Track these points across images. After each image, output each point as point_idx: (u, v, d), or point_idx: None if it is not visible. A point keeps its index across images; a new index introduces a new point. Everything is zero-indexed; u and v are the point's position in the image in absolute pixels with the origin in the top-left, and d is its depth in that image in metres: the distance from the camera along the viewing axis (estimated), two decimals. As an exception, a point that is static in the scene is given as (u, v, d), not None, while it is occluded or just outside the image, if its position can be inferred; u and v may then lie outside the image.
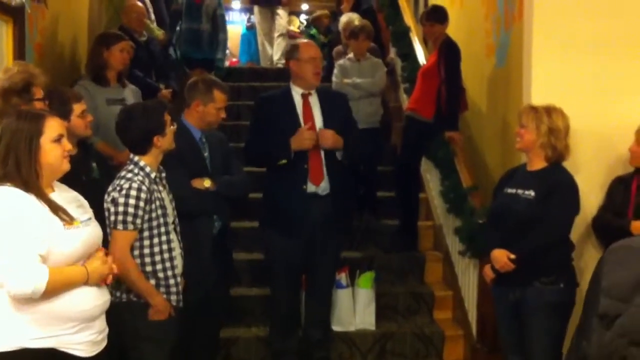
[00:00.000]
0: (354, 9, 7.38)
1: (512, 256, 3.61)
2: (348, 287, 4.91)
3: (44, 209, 2.59)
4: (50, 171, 2.68)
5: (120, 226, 3.19)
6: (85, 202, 2.87)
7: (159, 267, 3.31)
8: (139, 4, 6.12)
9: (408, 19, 7.38)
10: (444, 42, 5.39)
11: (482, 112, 5.49)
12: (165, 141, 3.33)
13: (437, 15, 5.46)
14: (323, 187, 4.25)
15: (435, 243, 5.90)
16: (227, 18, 15.54)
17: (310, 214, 4.21)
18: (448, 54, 5.33)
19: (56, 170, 2.70)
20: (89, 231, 2.73)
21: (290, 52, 4.42)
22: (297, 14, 14.33)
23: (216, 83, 4.11)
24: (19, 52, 4.52)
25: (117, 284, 3.24)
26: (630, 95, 4.14)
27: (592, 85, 4.14)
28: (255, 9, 9.84)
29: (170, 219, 3.38)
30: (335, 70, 5.99)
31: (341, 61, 6.05)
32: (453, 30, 5.53)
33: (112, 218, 3.19)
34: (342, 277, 4.88)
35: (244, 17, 15.17)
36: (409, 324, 5.07)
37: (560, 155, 3.69)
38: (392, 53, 7.56)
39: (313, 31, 8.15)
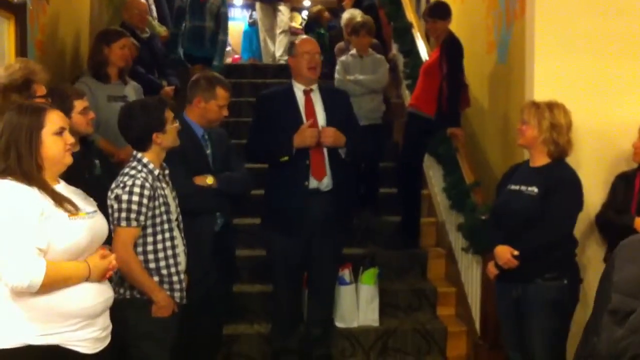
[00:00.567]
0: (356, 5, 7.36)
1: (516, 252, 3.60)
2: (351, 284, 4.92)
3: (47, 201, 2.59)
4: (53, 164, 2.68)
5: (123, 223, 3.19)
6: (89, 198, 2.87)
7: (162, 264, 3.31)
8: (142, 0, 6.11)
9: (410, 15, 7.36)
10: (447, 38, 5.37)
11: (484, 108, 5.49)
12: (165, 138, 3.32)
13: (440, 12, 5.45)
14: (326, 183, 4.25)
15: (437, 239, 5.90)
16: (229, 14, 15.53)
17: (312, 211, 4.21)
18: (450, 50, 5.32)
19: (58, 163, 2.70)
20: (94, 223, 2.74)
21: (289, 49, 4.48)
22: (299, 10, 14.31)
23: (218, 80, 4.11)
24: (21, 49, 4.52)
25: (120, 280, 3.24)
26: (632, 91, 4.15)
27: (594, 82, 4.14)
28: (257, 5, 9.84)
29: (173, 216, 3.37)
30: (338, 67, 5.99)
31: (343, 57, 6.04)
32: (454, 26, 5.52)
33: (116, 215, 3.19)
34: (345, 273, 4.89)
35: (246, 13, 15.16)
36: (411, 321, 5.06)
37: (562, 151, 3.68)
38: (394, 49, 7.55)
39: (322, 30, 8.13)
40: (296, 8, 13.88)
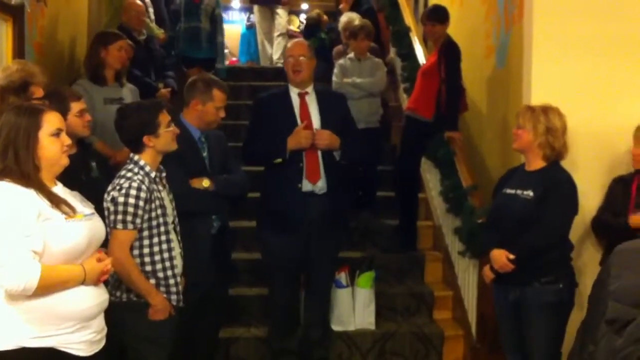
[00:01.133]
0: (354, 8, 7.36)
1: (511, 256, 3.61)
2: (348, 287, 4.91)
3: (43, 203, 2.59)
4: (50, 165, 2.68)
5: (120, 225, 3.18)
6: (86, 200, 2.87)
7: (158, 266, 3.31)
8: (139, 2, 6.11)
9: (408, 18, 7.37)
10: (445, 42, 5.38)
11: (482, 112, 5.49)
12: (158, 142, 3.31)
13: (438, 15, 5.45)
14: (320, 186, 4.25)
15: (434, 243, 5.90)
16: (226, 17, 15.54)
17: (307, 213, 4.21)
18: (448, 54, 5.32)
19: (55, 164, 2.70)
20: (92, 225, 2.74)
21: (284, 54, 4.52)
22: (297, 13, 14.33)
23: (215, 82, 4.11)
24: (19, 51, 4.52)
25: (117, 283, 3.24)
26: (630, 95, 4.15)
27: (592, 86, 4.14)
28: (255, 8, 9.84)
29: (170, 219, 3.37)
30: (336, 70, 5.99)
31: (341, 61, 6.05)
32: (453, 30, 5.52)
33: (112, 217, 3.19)
34: (342, 276, 4.88)
35: (244, 16, 15.17)
36: (408, 324, 5.06)
37: (558, 154, 3.69)
38: (392, 53, 7.56)
39: (322, 34, 8.14)
40: (294, 11, 13.90)
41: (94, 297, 2.72)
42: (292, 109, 4.31)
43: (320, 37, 8.00)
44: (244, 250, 5.36)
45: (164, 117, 3.34)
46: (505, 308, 3.76)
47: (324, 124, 4.28)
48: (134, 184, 3.19)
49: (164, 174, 3.43)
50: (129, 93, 4.92)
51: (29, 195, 2.57)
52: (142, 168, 3.28)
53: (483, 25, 5.34)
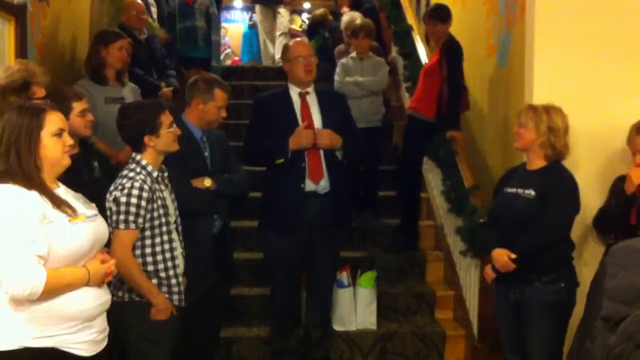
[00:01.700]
0: (355, 8, 7.37)
1: (513, 256, 3.61)
2: (349, 287, 4.91)
3: (47, 205, 2.59)
4: (51, 165, 2.68)
5: (122, 225, 3.19)
6: (89, 201, 2.87)
7: (160, 266, 3.31)
8: (139, 1, 6.11)
9: (410, 18, 7.37)
10: (447, 41, 5.38)
11: (484, 111, 5.49)
12: (159, 142, 3.31)
13: (440, 14, 5.45)
14: (323, 185, 4.25)
15: (436, 243, 5.90)
16: (229, 16, 15.51)
17: (309, 213, 4.22)
18: (450, 53, 5.32)
19: (57, 164, 2.70)
20: (95, 226, 2.74)
21: (283, 53, 4.49)
22: (299, 12, 14.32)
23: (217, 81, 4.11)
24: (21, 51, 4.52)
25: (119, 283, 3.24)
26: (631, 95, 4.15)
27: (593, 85, 4.14)
28: (257, 7, 9.84)
29: (172, 219, 3.37)
30: (337, 69, 6.00)
31: (344, 60, 6.05)
32: (454, 30, 5.51)
33: (114, 217, 3.19)
34: (344, 276, 4.88)
35: (246, 15, 15.16)
36: (409, 324, 5.06)
37: (559, 154, 3.69)
38: (394, 52, 7.56)
39: (326, 34, 8.15)
40: (296, 10, 13.89)
41: (96, 298, 2.72)
42: (293, 108, 4.31)
43: (323, 35, 8.01)
44: (245, 250, 5.37)
45: (166, 118, 3.34)
46: (506, 308, 3.76)
47: (325, 124, 4.29)
48: (136, 184, 3.19)
49: (166, 174, 3.43)
50: (130, 92, 4.92)
51: (33, 197, 2.57)
52: (144, 168, 3.28)
53: (484, 24, 5.33)
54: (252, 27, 11.99)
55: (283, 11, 9.53)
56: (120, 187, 3.20)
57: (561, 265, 3.65)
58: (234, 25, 15.50)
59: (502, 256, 3.64)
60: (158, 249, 3.30)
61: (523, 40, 4.34)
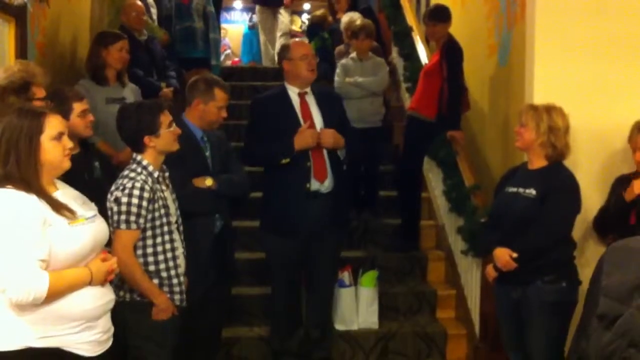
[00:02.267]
0: (352, 8, 7.36)
1: (514, 255, 3.61)
2: (351, 286, 4.91)
3: (46, 208, 2.58)
4: (51, 169, 2.67)
5: (123, 226, 3.19)
6: (89, 201, 2.86)
7: (162, 266, 3.31)
8: (139, 2, 6.11)
9: (410, 18, 7.37)
10: (447, 41, 5.38)
11: (484, 111, 5.49)
12: (159, 142, 3.31)
13: (440, 15, 5.45)
14: (327, 185, 4.25)
15: (437, 242, 5.90)
16: (228, 17, 15.50)
17: (311, 213, 4.21)
18: (450, 53, 5.32)
19: (56, 168, 2.69)
20: (95, 227, 2.74)
21: (282, 53, 4.45)
22: (299, 13, 14.34)
23: (217, 82, 4.11)
24: (21, 52, 4.52)
25: (120, 283, 3.24)
26: (632, 94, 4.14)
27: (594, 85, 4.14)
28: (257, 8, 9.83)
29: (173, 219, 3.37)
30: (338, 70, 5.99)
31: (344, 60, 6.05)
32: (455, 29, 5.52)
33: (115, 217, 3.19)
34: (345, 276, 4.88)
35: (246, 16, 15.18)
36: (411, 323, 5.06)
37: (560, 153, 3.69)
38: (394, 52, 7.56)
39: (326, 34, 8.16)
40: (296, 11, 13.90)
41: (100, 297, 2.72)
42: (293, 108, 4.31)
43: (323, 36, 8.01)
44: (246, 250, 5.36)
45: (165, 118, 3.34)
46: (507, 307, 3.76)
47: (326, 123, 4.29)
48: (137, 184, 3.19)
49: (167, 174, 3.43)
50: (130, 93, 4.92)
51: (33, 202, 2.56)
52: (145, 168, 3.28)
53: (485, 23, 5.33)
54: (252, 28, 12.00)
55: (283, 12, 9.53)
56: (121, 188, 3.20)
57: (562, 264, 3.66)
58: (234, 26, 15.53)
59: (504, 255, 3.64)
60: (159, 248, 3.30)
61: (524, 40, 4.34)
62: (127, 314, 3.23)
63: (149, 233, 3.27)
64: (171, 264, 3.34)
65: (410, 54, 6.93)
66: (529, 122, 3.67)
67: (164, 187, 3.37)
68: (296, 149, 4.17)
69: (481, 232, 4.29)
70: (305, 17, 14.35)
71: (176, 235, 3.39)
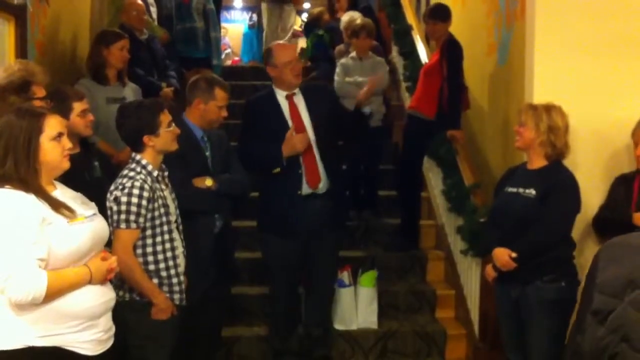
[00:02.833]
0: (352, 7, 7.36)
1: (514, 254, 3.61)
2: (350, 286, 4.91)
3: (45, 207, 2.58)
4: (50, 169, 2.67)
5: (123, 225, 3.19)
6: (88, 200, 2.86)
7: (161, 266, 3.31)
8: (139, 1, 6.12)
9: (410, 17, 7.37)
10: (447, 40, 5.38)
11: (484, 110, 5.49)
12: (158, 142, 3.31)
13: (440, 14, 5.45)
14: (322, 186, 4.24)
15: (437, 242, 5.90)
16: (228, 17, 15.46)
17: (307, 214, 4.21)
18: (450, 52, 5.32)
19: (55, 168, 2.69)
20: (94, 226, 2.74)
21: (266, 57, 4.39)
22: (300, 12, 14.33)
23: (217, 81, 4.11)
24: (21, 51, 4.52)
25: (119, 283, 3.24)
26: (632, 93, 4.14)
27: (594, 84, 4.14)
28: (263, 6, 9.65)
29: (172, 218, 3.37)
30: (337, 69, 5.99)
31: (343, 60, 6.05)
32: (454, 28, 5.52)
33: (115, 217, 3.19)
34: (345, 275, 4.88)
35: (246, 16, 15.17)
36: (410, 323, 5.06)
37: (560, 153, 3.69)
38: (394, 51, 7.56)
39: (321, 32, 8.16)
40: (298, 10, 13.88)
41: (100, 296, 2.72)
42: (281, 112, 4.28)
43: (317, 33, 8.02)
44: (246, 250, 5.36)
45: (165, 117, 3.34)
46: (507, 306, 3.76)
47: (315, 122, 4.26)
48: (137, 183, 3.19)
49: (166, 173, 3.43)
50: (131, 92, 4.92)
51: (32, 201, 2.57)
52: (144, 167, 3.28)
53: (485, 22, 5.33)
54: (252, 27, 11.99)
55: (290, 9, 9.42)
56: (120, 187, 3.20)
57: (562, 264, 3.66)
58: (234, 26, 15.52)
59: (503, 255, 3.64)
60: (159, 248, 3.30)
61: (523, 39, 4.34)
62: (127, 314, 3.23)
63: (148, 232, 3.27)
64: (171, 263, 3.34)
65: (410, 53, 6.93)
66: (529, 121, 3.67)
67: (163, 187, 3.37)
68: (285, 156, 4.15)
69: (481, 231, 4.30)
70: (305, 16, 14.34)
71: (176, 235, 3.39)
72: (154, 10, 6.94)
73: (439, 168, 5.69)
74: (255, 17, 10.95)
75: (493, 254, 3.72)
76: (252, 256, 5.30)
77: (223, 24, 11.70)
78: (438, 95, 5.37)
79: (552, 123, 3.64)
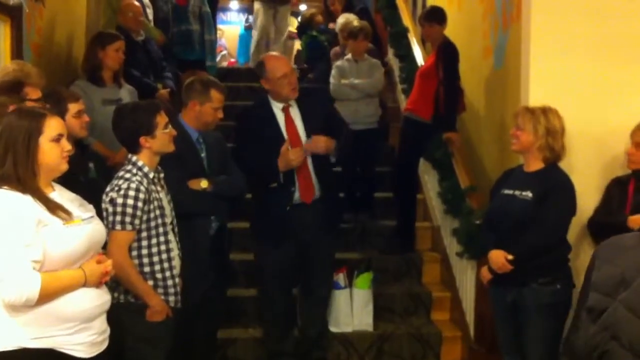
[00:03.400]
0: (347, 9, 7.36)
1: (510, 257, 3.61)
2: (346, 288, 4.90)
3: (41, 209, 2.58)
4: (48, 170, 2.67)
5: (118, 226, 3.18)
6: (86, 203, 2.86)
7: (157, 267, 3.31)
8: (136, 3, 6.11)
9: (406, 19, 7.37)
10: (443, 43, 5.39)
11: (480, 113, 5.50)
12: (155, 143, 3.31)
13: (436, 16, 5.46)
14: (315, 195, 4.25)
15: (433, 244, 5.91)
16: (225, 18, 15.44)
17: (301, 220, 4.20)
18: (446, 54, 5.33)
19: (54, 169, 2.69)
20: (91, 228, 2.73)
21: (259, 70, 4.33)
22: (295, 14, 14.33)
23: (213, 83, 4.11)
24: (17, 52, 4.52)
25: (114, 284, 3.23)
26: (627, 96, 4.15)
27: (590, 87, 4.14)
28: (256, 5, 9.51)
29: (168, 220, 3.37)
30: (333, 72, 5.99)
31: (339, 62, 6.05)
32: (450, 31, 5.52)
33: (111, 218, 3.19)
34: (340, 277, 4.87)
35: (242, 17, 15.17)
36: (406, 325, 5.06)
37: (557, 156, 3.70)
38: (390, 53, 7.56)
39: (314, 33, 8.16)
40: (293, 12, 13.88)
41: (95, 298, 2.71)
42: (277, 124, 4.25)
43: (311, 34, 8.02)
44: (242, 252, 5.35)
45: (161, 118, 3.34)
46: (503, 309, 3.76)
47: (310, 132, 4.24)
48: (133, 185, 3.19)
49: (162, 175, 3.42)
50: (127, 94, 4.91)
51: (28, 202, 2.56)
52: (140, 169, 3.27)
53: (481, 25, 5.34)
54: (248, 28, 11.97)
55: (285, 10, 9.33)
56: (116, 188, 3.20)
57: (558, 267, 3.66)
58: (230, 27, 15.51)
59: (499, 257, 3.64)
60: (154, 250, 3.30)
61: (519, 42, 4.34)
62: (122, 316, 3.22)
63: (144, 234, 3.27)
64: (166, 265, 3.33)
65: (406, 55, 6.94)
66: (526, 125, 3.67)
67: (159, 188, 3.36)
68: (281, 170, 4.14)
69: (477, 234, 4.30)
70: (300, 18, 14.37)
71: (171, 237, 3.39)
72: (150, 11, 6.93)
73: (435, 170, 5.70)
74: (251, 18, 10.90)
75: (489, 256, 3.72)
76: (247, 258, 5.25)
77: (219, 26, 11.69)
78: (434, 97, 5.37)
79: (550, 126, 3.64)
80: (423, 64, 6.13)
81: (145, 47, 5.97)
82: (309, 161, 4.23)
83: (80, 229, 2.67)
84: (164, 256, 3.33)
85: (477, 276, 4.50)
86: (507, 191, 3.76)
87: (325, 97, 4.53)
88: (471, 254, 4.73)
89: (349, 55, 6.00)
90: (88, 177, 3.77)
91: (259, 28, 9.28)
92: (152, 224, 3.27)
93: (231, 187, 4.07)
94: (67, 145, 2.70)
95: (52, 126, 2.66)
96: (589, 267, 2.49)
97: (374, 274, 5.06)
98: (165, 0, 6.92)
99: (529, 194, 3.64)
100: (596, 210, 4.03)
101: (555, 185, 3.63)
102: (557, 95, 3.99)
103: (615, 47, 4.13)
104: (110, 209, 3.18)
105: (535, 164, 3.73)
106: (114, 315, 2.98)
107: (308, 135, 4.25)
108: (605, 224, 3.91)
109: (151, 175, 3.30)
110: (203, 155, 4.04)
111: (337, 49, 6.76)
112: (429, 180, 6.07)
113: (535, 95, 4.11)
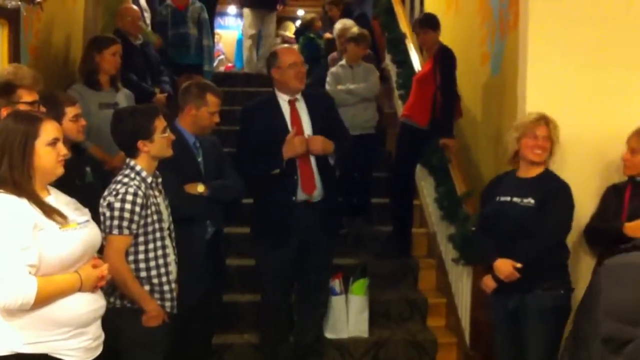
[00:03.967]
0: (345, 15, 7.37)
1: (518, 265, 3.60)
2: (341, 294, 4.90)
3: (37, 213, 2.57)
4: (44, 174, 2.67)
5: (115, 231, 3.17)
6: (82, 206, 2.85)
7: (153, 272, 3.30)
8: (134, 7, 6.12)
9: (404, 25, 7.39)
10: (440, 49, 5.40)
11: (477, 119, 5.50)
12: (153, 147, 3.30)
13: (429, 23, 5.48)
14: (316, 194, 4.23)
15: (429, 250, 5.90)
16: (222, 23, 15.42)
17: (301, 222, 4.19)
18: (444, 60, 5.34)
19: (50, 173, 2.69)
20: (87, 232, 2.73)
21: (270, 60, 4.35)
22: (293, 19, 14.34)
23: (209, 87, 4.11)
24: (14, 55, 4.52)
25: (110, 289, 3.22)
26: (624, 103, 4.15)
27: (587, 94, 4.15)
28: (246, 11, 9.49)
29: (165, 225, 3.36)
30: (328, 78, 5.99)
31: (333, 69, 6.05)
32: (448, 38, 5.53)
33: (108, 223, 3.18)
34: (336, 283, 4.87)
35: (240, 22, 15.16)
36: (402, 331, 5.05)
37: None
38: (388, 59, 7.57)
39: (312, 35, 8.17)
40: (290, 17, 13.90)
41: (90, 303, 2.71)
42: (282, 116, 4.26)
43: (308, 36, 8.02)
44: (238, 257, 5.34)
45: (160, 123, 3.33)
46: (504, 317, 3.76)
47: (315, 129, 4.25)
48: (131, 189, 3.18)
49: (159, 179, 3.42)
50: (124, 98, 4.91)
51: (24, 206, 2.56)
52: (138, 173, 3.27)
53: (478, 32, 5.34)
54: (246, 33, 11.93)
55: (272, 15, 9.31)
56: (114, 193, 3.19)
57: (560, 272, 3.70)
58: (228, 32, 15.51)
59: (507, 266, 3.63)
60: (151, 255, 3.29)
61: (517, 48, 4.35)
62: (118, 320, 3.21)
63: (141, 239, 3.26)
64: (162, 270, 3.32)
65: (403, 61, 6.95)
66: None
67: (157, 193, 3.36)
68: (285, 158, 4.14)
69: (474, 240, 4.29)
70: (299, 23, 14.37)
71: (168, 242, 3.38)
72: (147, 15, 6.94)
73: (432, 176, 5.70)
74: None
75: (495, 266, 3.70)
76: (244, 263, 5.28)
77: (217, 30, 11.68)
78: (431, 103, 5.38)
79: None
80: (420, 69, 6.14)
81: (143, 51, 5.97)
82: (312, 156, 4.22)
83: (76, 233, 2.66)
84: (161, 261, 3.32)
85: (473, 282, 4.50)
86: (503, 198, 3.75)
87: (332, 102, 4.53)
88: (467, 260, 4.74)
89: (343, 61, 6.01)
90: (84, 181, 3.77)
91: (247, 34, 9.31)
92: (150, 229, 3.26)
93: (228, 192, 4.07)
94: (62, 150, 2.70)
95: (48, 130, 2.66)
96: (593, 287, 2.37)
97: (370, 280, 5.05)
98: (164, 5, 6.94)
99: (531, 201, 3.64)
100: (593, 217, 4.03)
101: (556, 190, 3.66)
102: (554, 102, 4.00)
103: (612, 54, 4.14)
104: (108, 214, 3.18)
105: (533, 170, 3.73)
106: (109, 320, 2.98)
107: (312, 131, 4.25)
108: (601, 230, 3.91)
109: (149, 180, 3.29)
110: (200, 159, 4.03)
111: (334, 54, 6.77)
112: (426, 186, 6.07)
113: (532, 101, 4.12)
